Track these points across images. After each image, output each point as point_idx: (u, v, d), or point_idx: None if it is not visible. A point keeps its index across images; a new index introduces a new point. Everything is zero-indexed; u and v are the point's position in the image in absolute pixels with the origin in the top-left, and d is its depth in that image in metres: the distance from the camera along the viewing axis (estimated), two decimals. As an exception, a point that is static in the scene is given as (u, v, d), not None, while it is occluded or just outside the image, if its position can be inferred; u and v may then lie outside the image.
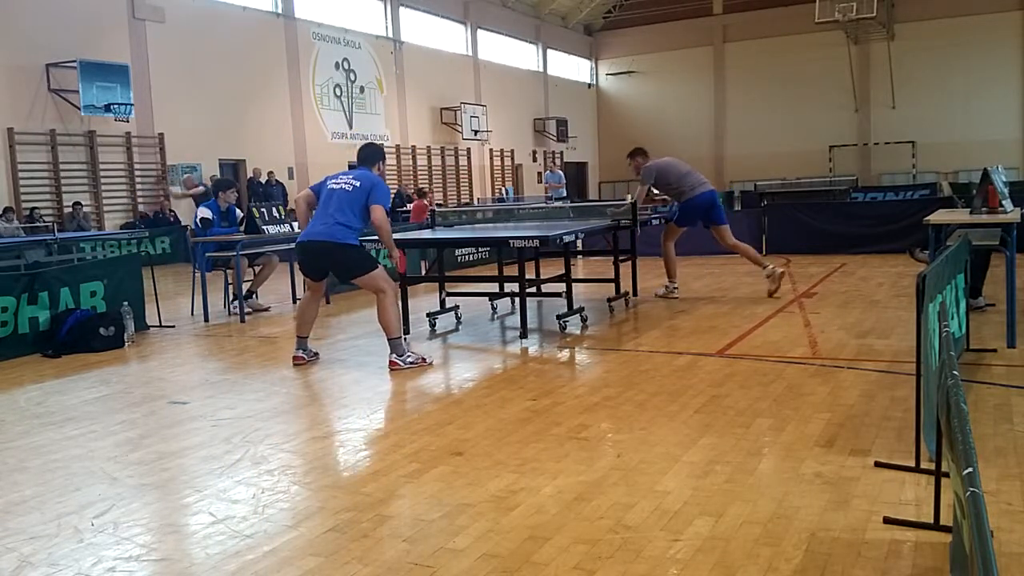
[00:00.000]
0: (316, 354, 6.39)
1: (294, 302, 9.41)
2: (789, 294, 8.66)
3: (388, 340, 5.98)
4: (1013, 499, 3.12)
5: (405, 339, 6.95)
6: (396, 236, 7.83)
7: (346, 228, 5.91)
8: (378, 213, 5.92)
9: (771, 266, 8.65)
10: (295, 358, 6.23)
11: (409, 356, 5.97)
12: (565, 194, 23.63)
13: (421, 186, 22.29)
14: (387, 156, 24.49)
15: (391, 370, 5.85)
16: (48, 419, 4.97)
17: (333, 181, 6.10)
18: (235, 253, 8.47)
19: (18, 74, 16.01)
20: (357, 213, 5.95)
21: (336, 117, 23.82)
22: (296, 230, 9.16)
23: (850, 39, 32.06)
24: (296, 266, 9.77)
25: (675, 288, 8.80)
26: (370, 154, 6.31)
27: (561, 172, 24.95)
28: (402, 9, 26.39)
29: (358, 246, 6.08)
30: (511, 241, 6.69)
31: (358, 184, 5.98)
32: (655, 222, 9.28)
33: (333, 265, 6.12)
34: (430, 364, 6.01)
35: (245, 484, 3.69)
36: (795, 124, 33.77)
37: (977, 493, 1.58)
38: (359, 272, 6.03)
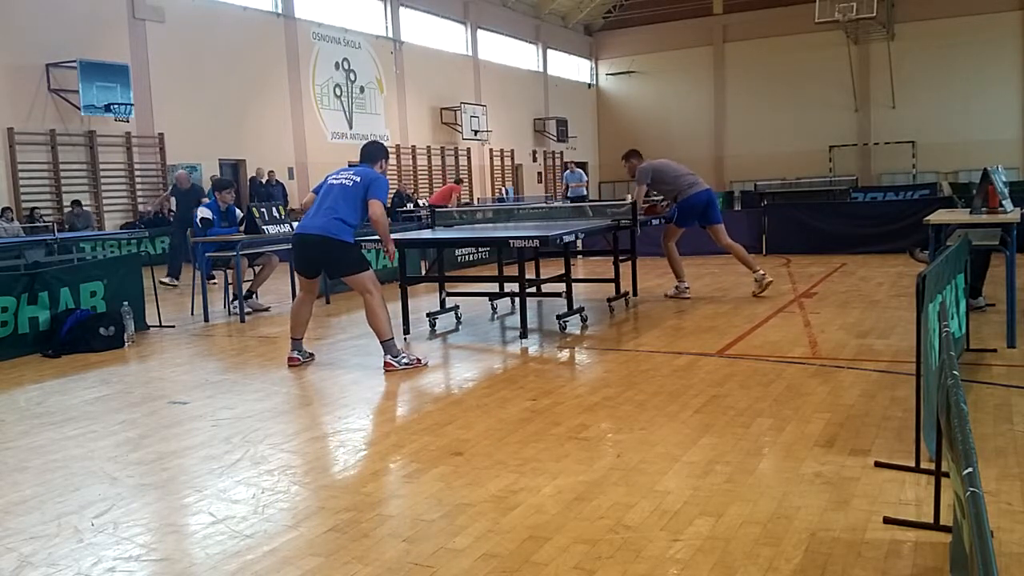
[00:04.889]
0: (311, 355, 6.38)
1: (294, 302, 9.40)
2: (789, 294, 8.66)
3: (381, 343, 5.96)
4: (1013, 499, 3.12)
5: (405, 340, 6.99)
6: (395, 236, 7.85)
7: (342, 223, 5.88)
8: (375, 208, 5.90)
9: (760, 271, 8.68)
10: (290, 359, 6.22)
11: (404, 357, 5.95)
12: (586, 192, 24.29)
13: (460, 177, 24.16)
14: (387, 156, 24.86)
15: (386, 371, 5.83)
16: (48, 419, 4.97)
17: (333, 177, 6.12)
18: (235, 253, 8.47)
19: (18, 74, 16.02)
20: (355, 208, 5.92)
21: (336, 117, 23.83)
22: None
23: (850, 39, 32.06)
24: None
25: (686, 288, 8.80)
26: (372, 152, 6.28)
27: (581, 171, 25.49)
28: (402, 9, 26.39)
29: (352, 245, 6.04)
30: (511, 241, 6.68)
31: (357, 179, 5.97)
32: (655, 222, 9.27)
33: (325, 260, 6.07)
34: (426, 365, 5.98)
35: (245, 484, 3.69)
36: (795, 124, 33.77)
37: (977, 493, 1.58)
38: (349, 271, 6.00)
